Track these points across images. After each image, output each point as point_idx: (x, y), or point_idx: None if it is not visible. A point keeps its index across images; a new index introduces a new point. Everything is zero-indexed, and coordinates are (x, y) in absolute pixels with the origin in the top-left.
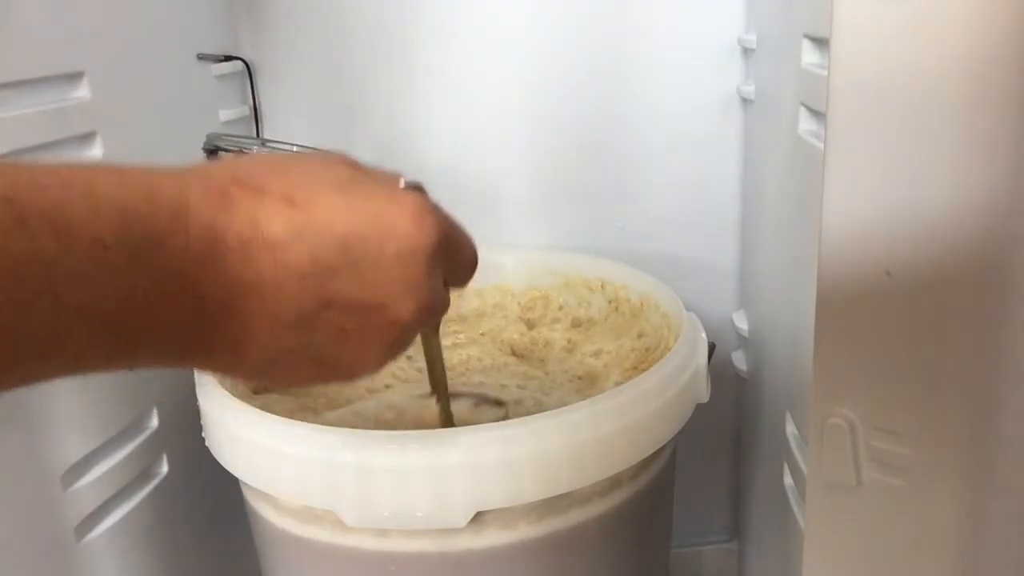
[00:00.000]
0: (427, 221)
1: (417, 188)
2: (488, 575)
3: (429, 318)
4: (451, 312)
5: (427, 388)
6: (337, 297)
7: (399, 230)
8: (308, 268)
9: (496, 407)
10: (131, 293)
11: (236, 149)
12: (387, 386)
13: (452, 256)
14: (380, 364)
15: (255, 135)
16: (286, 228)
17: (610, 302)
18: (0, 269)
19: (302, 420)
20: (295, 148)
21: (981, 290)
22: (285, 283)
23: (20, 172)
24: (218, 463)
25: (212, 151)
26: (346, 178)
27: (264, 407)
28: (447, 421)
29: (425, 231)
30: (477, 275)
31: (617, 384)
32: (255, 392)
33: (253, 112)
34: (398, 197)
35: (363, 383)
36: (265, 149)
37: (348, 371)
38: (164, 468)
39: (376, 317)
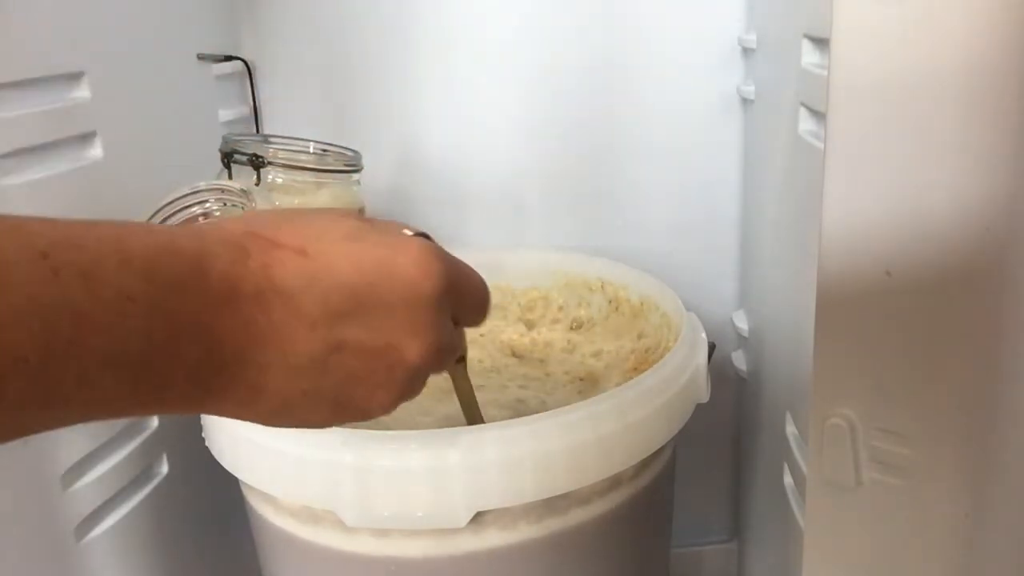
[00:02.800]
0: (432, 266)
1: (423, 236)
2: (488, 575)
3: (439, 359)
4: None
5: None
6: (347, 341)
7: (405, 276)
8: (319, 315)
9: None
10: (152, 340)
11: (251, 154)
12: None
13: (460, 298)
14: (393, 404)
15: (257, 133)
16: (298, 277)
17: (610, 302)
18: (33, 319)
19: None
20: (311, 146)
21: (980, 290)
22: (297, 329)
23: (58, 229)
24: (218, 463)
25: (228, 155)
26: (354, 228)
27: None
28: None
29: (430, 275)
30: None
31: (617, 385)
32: None
33: (253, 112)
34: (404, 244)
35: None
36: (277, 145)
37: (362, 411)
38: (164, 468)
39: (385, 359)
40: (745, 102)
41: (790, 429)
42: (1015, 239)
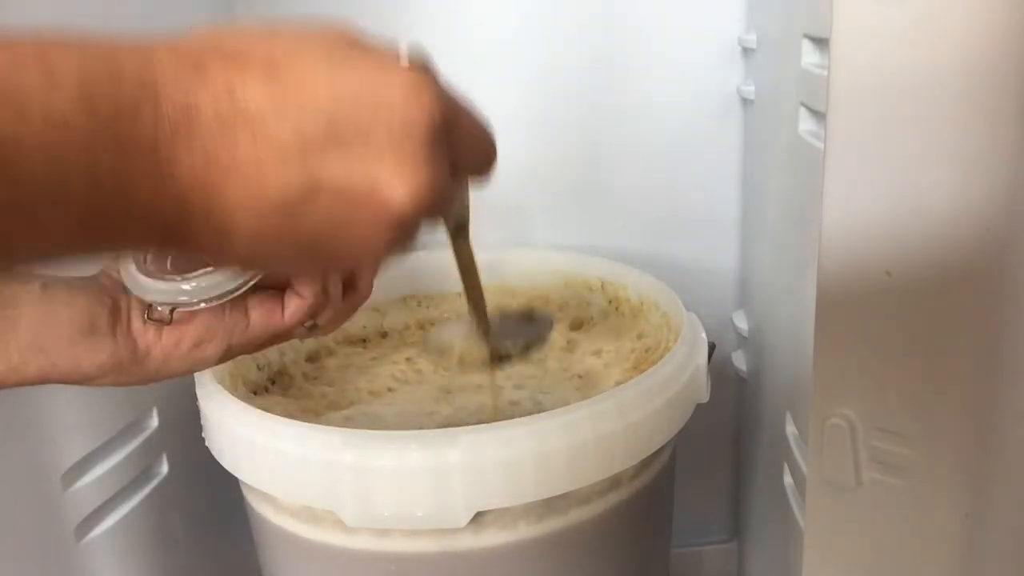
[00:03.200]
0: (424, 95)
1: (422, 63)
2: (488, 575)
3: (431, 203)
4: (452, 312)
5: (433, 398)
6: (324, 179)
7: (392, 104)
8: (292, 145)
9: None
10: (97, 174)
11: None
12: (389, 389)
13: (458, 139)
14: (382, 253)
15: None
16: (267, 101)
17: (610, 302)
18: None
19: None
20: None
21: (980, 290)
22: (266, 162)
23: None
24: (218, 463)
25: None
26: (340, 45)
27: (264, 408)
28: (485, 336)
29: (422, 106)
30: None
31: (617, 384)
32: (255, 392)
33: None
34: (394, 71)
35: (364, 386)
36: None
37: (345, 260)
38: (164, 468)
39: (367, 202)
40: (745, 102)
41: (790, 429)
42: (1015, 239)
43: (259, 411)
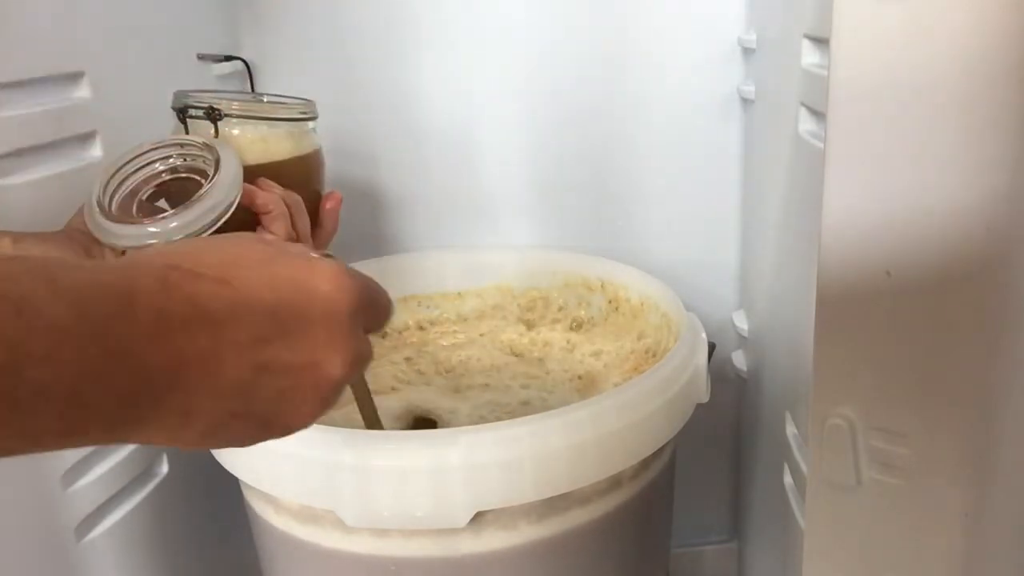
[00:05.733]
0: (344, 282)
1: (328, 256)
2: (488, 575)
3: (358, 369)
4: (451, 312)
5: (435, 395)
6: (272, 362)
7: (321, 294)
8: (245, 340)
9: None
10: (86, 370)
11: (206, 106)
12: (393, 388)
13: (371, 310)
14: (316, 417)
15: (209, 91)
16: (223, 304)
17: (610, 302)
18: None
19: None
20: (265, 97)
21: (981, 290)
22: (225, 356)
23: None
24: (218, 463)
25: (182, 110)
26: (268, 253)
27: None
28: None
29: (344, 292)
30: (477, 275)
31: (617, 385)
32: None
33: None
34: (316, 264)
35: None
36: (231, 97)
37: (287, 428)
38: (164, 468)
39: (310, 376)
40: (745, 102)
41: (790, 429)
42: (1015, 239)
43: None
